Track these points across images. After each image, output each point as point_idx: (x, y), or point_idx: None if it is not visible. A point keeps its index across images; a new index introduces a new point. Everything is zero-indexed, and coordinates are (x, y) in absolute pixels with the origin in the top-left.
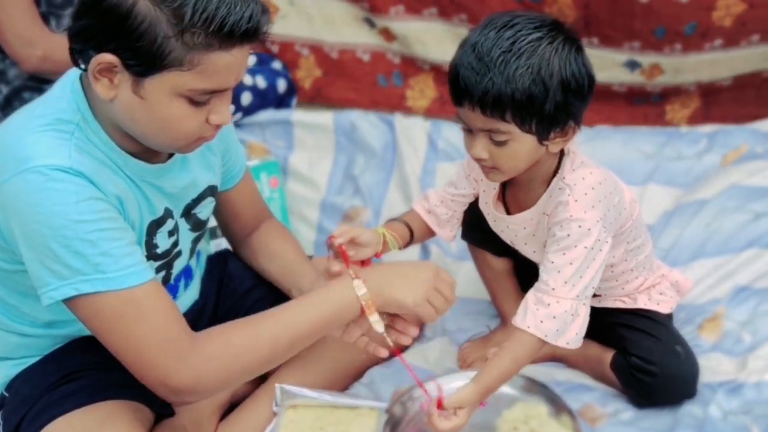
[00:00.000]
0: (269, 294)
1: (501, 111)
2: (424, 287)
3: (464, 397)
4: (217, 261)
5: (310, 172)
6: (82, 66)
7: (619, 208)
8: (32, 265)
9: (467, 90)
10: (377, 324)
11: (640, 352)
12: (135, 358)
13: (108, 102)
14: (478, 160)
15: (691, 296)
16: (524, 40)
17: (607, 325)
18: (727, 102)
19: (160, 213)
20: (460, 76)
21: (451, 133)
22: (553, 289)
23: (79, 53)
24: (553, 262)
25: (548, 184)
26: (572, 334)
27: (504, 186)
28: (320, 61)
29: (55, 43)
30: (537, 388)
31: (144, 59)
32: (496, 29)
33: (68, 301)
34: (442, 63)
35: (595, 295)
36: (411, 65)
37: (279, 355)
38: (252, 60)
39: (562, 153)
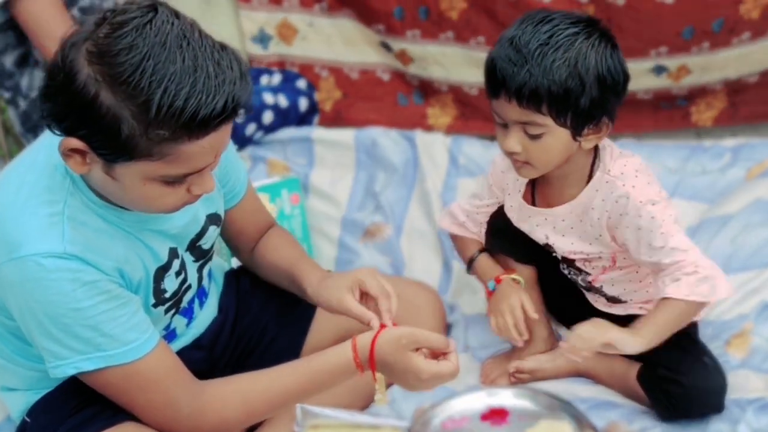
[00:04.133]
0: (283, 307)
1: (537, 103)
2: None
3: (627, 342)
4: (234, 277)
5: (331, 189)
6: (57, 133)
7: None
8: (33, 340)
9: (504, 81)
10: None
11: (667, 363)
12: (140, 416)
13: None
14: (511, 154)
15: (718, 312)
16: (561, 33)
17: None
18: (754, 100)
19: (164, 258)
20: (497, 68)
21: (472, 148)
22: (684, 256)
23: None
24: (662, 247)
25: (588, 180)
26: (723, 281)
27: (532, 185)
28: (340, 83)
29: None
30: (561, 406)
31: (111, 150)
32: (534, 23)
33: None
34: (461, 84)
35: (620, 302)
36: (429, 87)
37: (270, 413)
38: (277, 78)
39: (595, 150)
